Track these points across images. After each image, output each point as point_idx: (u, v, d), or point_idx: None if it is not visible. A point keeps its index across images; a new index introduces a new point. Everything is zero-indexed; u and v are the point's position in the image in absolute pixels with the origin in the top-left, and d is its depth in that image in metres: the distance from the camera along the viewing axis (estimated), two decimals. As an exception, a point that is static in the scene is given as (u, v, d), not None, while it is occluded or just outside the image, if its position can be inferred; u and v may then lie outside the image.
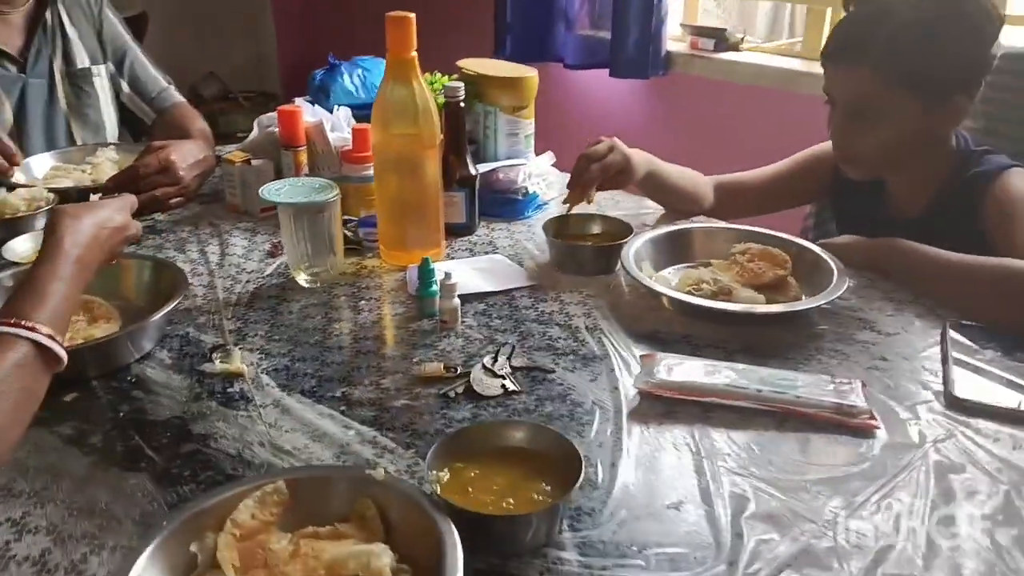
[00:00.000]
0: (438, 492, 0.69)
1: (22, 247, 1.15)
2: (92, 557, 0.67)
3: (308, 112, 1.45)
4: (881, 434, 0.84)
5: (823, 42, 1.23)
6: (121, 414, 0.86)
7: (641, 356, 0.96)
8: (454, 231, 1.31)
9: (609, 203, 1.45)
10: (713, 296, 1.05)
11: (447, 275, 1.04)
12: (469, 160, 1.30)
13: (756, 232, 1.20)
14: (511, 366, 0.95)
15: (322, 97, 1.59)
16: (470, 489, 0.71)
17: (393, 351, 0.99)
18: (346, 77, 1.59)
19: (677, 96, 2.28)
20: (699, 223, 1.29)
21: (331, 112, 1.49)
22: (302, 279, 1.14)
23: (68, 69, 1.58)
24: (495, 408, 0.88)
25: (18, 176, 1.39)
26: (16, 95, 1.52)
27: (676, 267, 1.18)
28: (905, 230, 1.21)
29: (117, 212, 0.92)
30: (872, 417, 0.85)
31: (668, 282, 1.13)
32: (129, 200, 0.98)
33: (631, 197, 1.48)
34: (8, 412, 0.69)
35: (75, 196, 1.35)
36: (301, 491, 0.69)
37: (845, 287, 1.06)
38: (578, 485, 0.69)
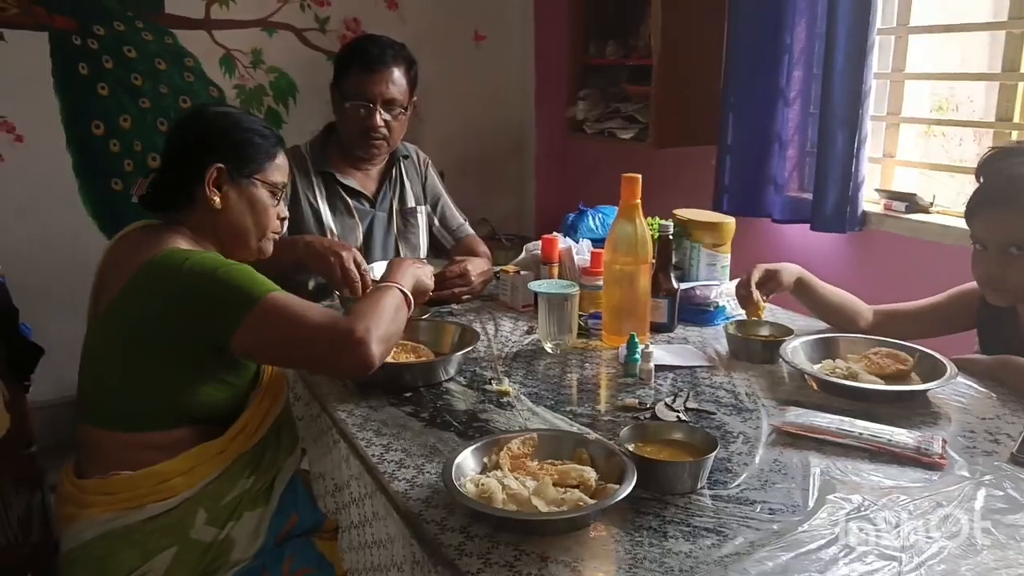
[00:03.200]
0: (629, 448, 1.14)
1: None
2: (427, 464, 1.19)
3: (562, 241, 2.02)
4: (947, 470, 1.17)
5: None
6: (438, 404, 1.40)
7: (780, 408, 1.35)
8: (658, 329, 1.78)
9: (784, 318, 1.85)
10: (842, 379, 1.42)
11: (647, 346, 1.51)
12: (673, 278, 1.78)
13: (887, 341, 1.55)
14: (685, 407, 1.38)
15: (572, 232, 2.16)
16: (648, 451, 1.15)
17: (605, 392, 1.47)
18: (590, 219, 2.16)
19: (871, 249, 2.62)
20: (844, 334, 1.65)
21: (577, 242, 2.05)
22: (548, 347, 1.66)
23: (401, 207, 2.28)
24: (670, 428, 1.31)
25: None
26: (367, 223, 2.22)
27: (823, 362, 1.55)
28: None
29: (428, 278, 1.58)
30: (942, 458, 1.18)
31: (812, 369, 1.51)
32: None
33: (804, 317, 1.87)
34: (399, 322, 1.37)
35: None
36: (545, 441, 1.17)
37: (946, 381, 1.38)
38: (714, 453, 1.11)
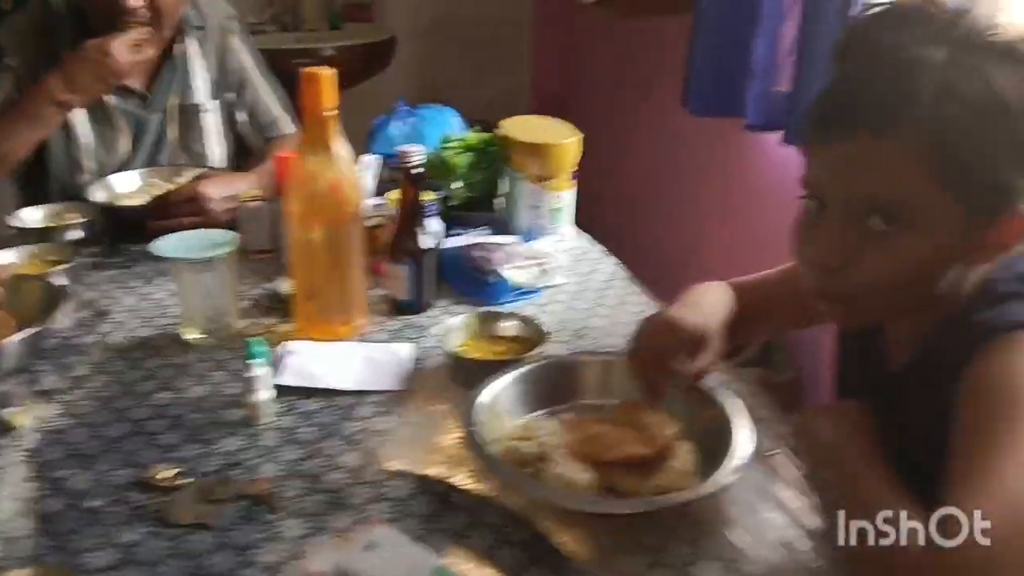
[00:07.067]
0: None
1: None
2: None
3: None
4: None
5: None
6: None
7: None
8: (399, 308, 1.18)
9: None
10: (523, 464, 0.79)
11: (264, 359, 0.92)
12: (420, 233, 1.15)
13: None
14: (249, 494, 0.81)
15: (371, 143, 1.53)
16: None
17: (174, 438, 0.90)
18: (399, 124, 1.51)
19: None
20: (600, 355, 1.00)
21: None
22: (189, 336, 1.09)
23: (182, 104, 1.66)
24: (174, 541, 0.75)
25: (98, 194, 1.50)
26: (134, 128, 1.64)
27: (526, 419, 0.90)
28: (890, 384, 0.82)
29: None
30: None
31: (534, 427, 0.88)
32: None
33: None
34: None
35: (128, 214, 1.46)
36: None
37: (711, 488, 0.74)
38: None
